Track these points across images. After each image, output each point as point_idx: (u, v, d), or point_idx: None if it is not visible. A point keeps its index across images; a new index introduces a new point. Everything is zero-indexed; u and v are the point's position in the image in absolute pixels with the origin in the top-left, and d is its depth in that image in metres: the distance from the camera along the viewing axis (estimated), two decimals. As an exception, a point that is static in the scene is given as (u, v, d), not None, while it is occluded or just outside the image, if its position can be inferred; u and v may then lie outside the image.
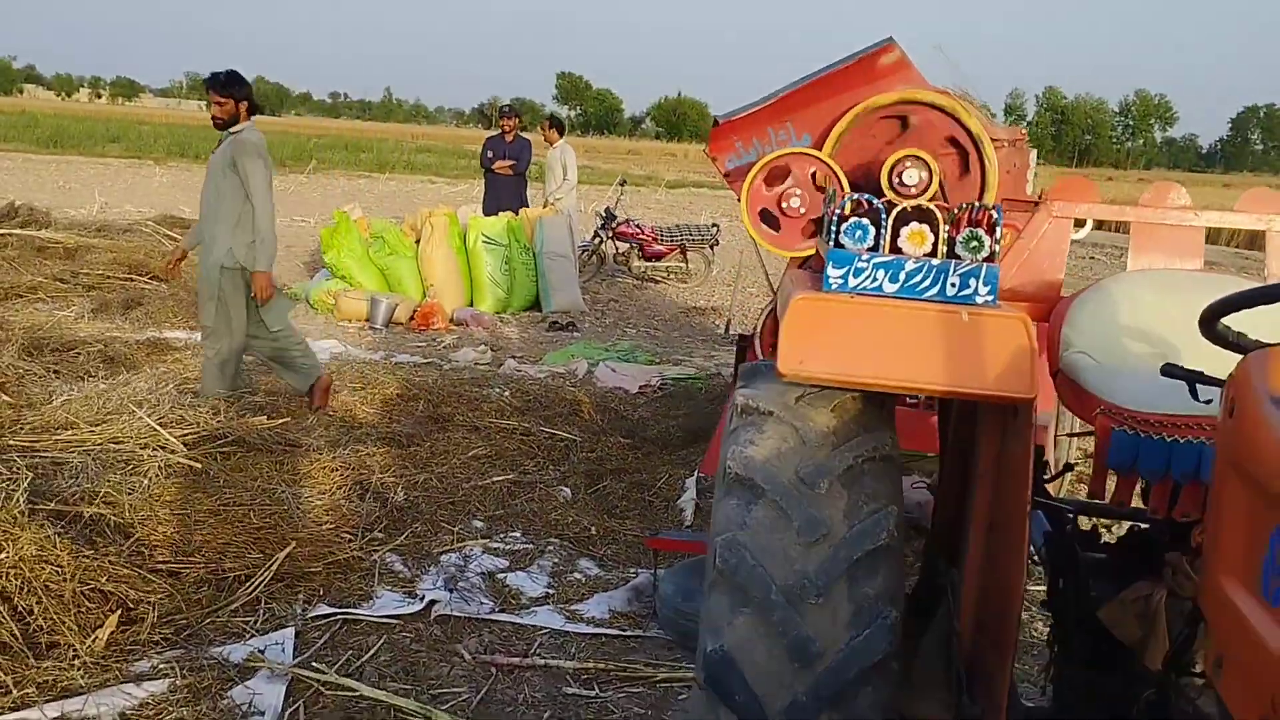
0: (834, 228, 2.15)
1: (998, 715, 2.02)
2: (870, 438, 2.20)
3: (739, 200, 5.24)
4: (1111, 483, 2.23)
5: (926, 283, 2.13)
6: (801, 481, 2.13)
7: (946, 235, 2.12)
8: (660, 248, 13.74)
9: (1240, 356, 1.85)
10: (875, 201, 2.15)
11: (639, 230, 13.82)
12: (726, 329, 10.38)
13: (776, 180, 4.95)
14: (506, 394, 7.31)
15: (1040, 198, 2.94)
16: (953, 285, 2.12)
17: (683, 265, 13.82)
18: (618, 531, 5.20)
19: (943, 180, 4.21)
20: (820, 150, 5.23)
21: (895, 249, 2.14)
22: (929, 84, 5.40)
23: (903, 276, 2.13)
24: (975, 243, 2.12)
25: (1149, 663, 2.13)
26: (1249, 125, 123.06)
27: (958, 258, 2.12)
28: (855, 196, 2.15)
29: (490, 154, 12.33)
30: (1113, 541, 2.56)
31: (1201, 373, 1.88)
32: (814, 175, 5.06)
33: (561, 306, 10.98)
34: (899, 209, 2.14)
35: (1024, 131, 5.62)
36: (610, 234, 13.77)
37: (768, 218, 4.89)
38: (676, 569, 4.45)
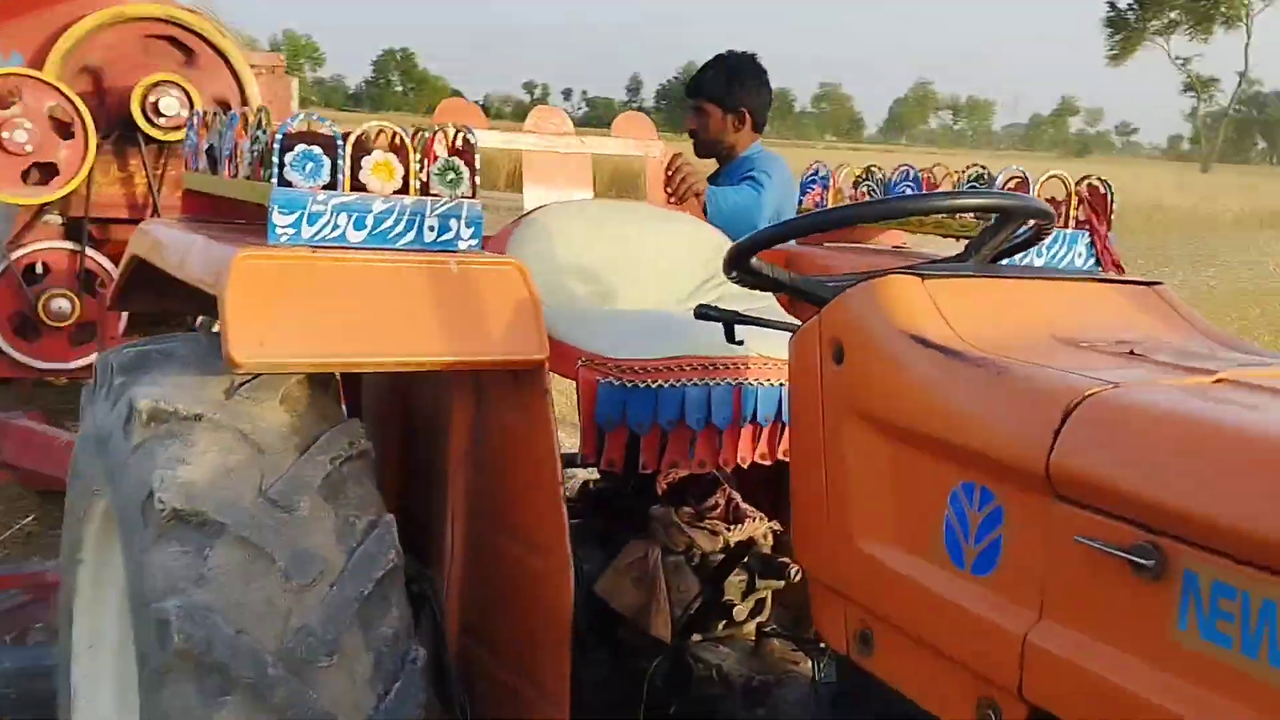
0: (276, 159, 1.59)
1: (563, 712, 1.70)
2: (341, 432, 1.71)
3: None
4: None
5: (400, 227, 1.69)
6: (273, 504, 1.58)
7: (419, 165, 1.69)
8: None
9: (762, 291, 1.74)
10: (328, 124, 1.63)
11: None
12: None
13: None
14: None
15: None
16: (431, 229, 1.70)
17: None
18: None
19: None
20: (41, 71, 4.26)
21: (357, 185, 1.66)
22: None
23: (370, 220, 1.66)
24: (453, 175, 1.72)
25: (656, 630, 1.96)
26: (390, 67, 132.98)
27: (433, 194, 1.71)
28: (303, 115, 1.61)
29: None
30: (571, 500, 2.35)
31: (738, 313, 1.72)
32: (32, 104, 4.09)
33: None
34: (358, 133, 1.65)
35: (282, 59, 5.17)
36: None
37: None
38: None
